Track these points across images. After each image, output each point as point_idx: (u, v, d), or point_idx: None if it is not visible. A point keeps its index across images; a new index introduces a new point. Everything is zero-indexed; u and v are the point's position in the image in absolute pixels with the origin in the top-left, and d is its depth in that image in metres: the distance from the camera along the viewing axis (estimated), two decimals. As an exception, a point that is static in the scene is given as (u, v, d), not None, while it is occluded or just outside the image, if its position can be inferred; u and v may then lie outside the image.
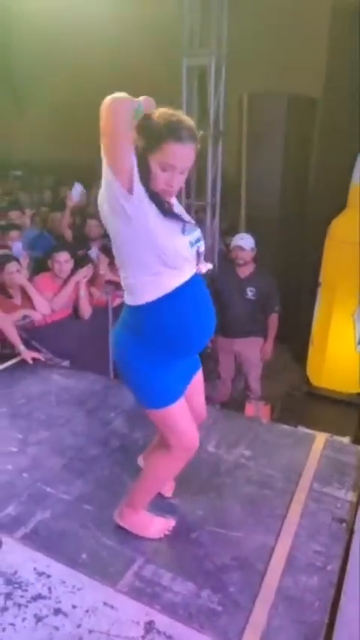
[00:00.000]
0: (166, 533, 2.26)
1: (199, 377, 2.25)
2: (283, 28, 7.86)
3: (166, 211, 1.81)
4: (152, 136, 1.71)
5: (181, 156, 1.75)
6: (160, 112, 1.75)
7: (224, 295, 4.55)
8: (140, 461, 2.57)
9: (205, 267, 1.97)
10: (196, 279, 1.95)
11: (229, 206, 7.05)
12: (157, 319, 1.90)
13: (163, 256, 1.81)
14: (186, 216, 1.95)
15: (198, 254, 1.92)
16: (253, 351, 4.67)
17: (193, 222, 1.97)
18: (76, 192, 5.89)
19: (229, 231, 7.07)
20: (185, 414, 2.07)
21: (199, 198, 6.04)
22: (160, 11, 7.65)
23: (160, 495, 2.41)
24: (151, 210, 1.77)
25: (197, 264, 1.94)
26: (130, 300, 1.94)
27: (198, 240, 1.92)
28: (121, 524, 2.27)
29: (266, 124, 6.85)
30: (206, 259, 2.03)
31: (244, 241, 4.51)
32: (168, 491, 2.50)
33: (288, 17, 7.72)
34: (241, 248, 4.47)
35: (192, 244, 1.88)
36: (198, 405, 2.26)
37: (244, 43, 6.95)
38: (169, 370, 1.99)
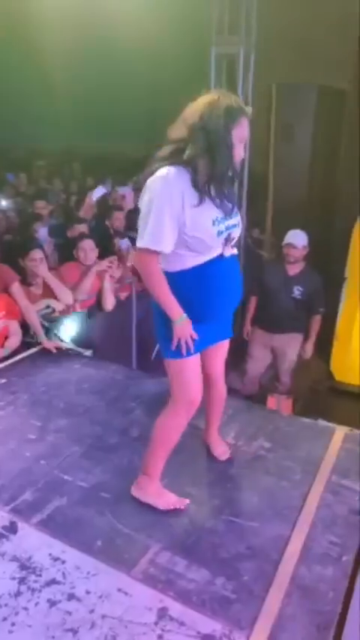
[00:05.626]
0: (176, 507, 2.32)
1: (224, 345, 2.43)
2: (313, 17, 7.74)
3: (213, 198, 1.98)
4: (232, 114, 1.92)
5: (247, 128, 1.99)
6: (218, 94, 1.95)
7: (270, 290, 4.52)
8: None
9: (229, 252, 2.12)
10: (222, 258, 2.10)
11: (256, 198, 6.98)
12: (175, 287, 2.05)
13: (187, 243, 2.00)
14: (230, 199, 2.08)
15: (227, 239, 2.08)
16: (291, 347, 4.65)
17: (234, 205, 2.11)
18: (98, 193, 5.97)
19: (255, 224, 7.00)
20: (195, 369, 2.22)
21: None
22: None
23: (177, 484, 2.43)
24: (188, 211, 1.95)
25: (224, 248, 2.09)
26: None
27: (231, 227, 2.08)
28: (135, 494, 2.37)
29: (295, 115, 6.77)
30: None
31: (297, 239, 4.41)
32: (221, 454, 2.66)
33: (318, 7, 7.59)
34: (293, 246, 4.39)
35: (220, 233, 2.03)
36: (215, 371, 2.45)
37: (274, 32, 6.86)
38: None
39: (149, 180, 1.98)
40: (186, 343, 2.10)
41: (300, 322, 4.61)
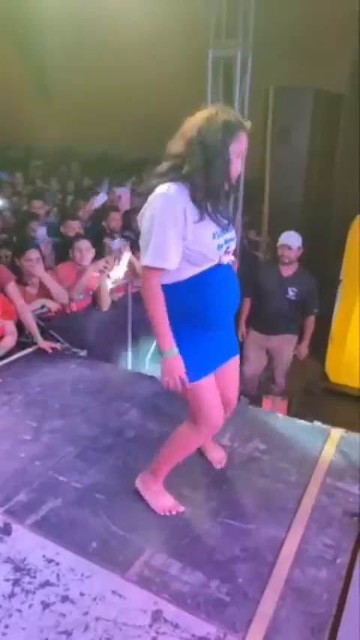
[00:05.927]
0: (171, 513, 2.31)
1: (234, 366, 2.35)
2: (310, 20, 7.77)
3: (210, 213, 1.97)
4: (230, 129, 1.91)
5: (245, 142, 1.98)
6: (216, 109, 1.95)
7: (264, 292, 4.52)
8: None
9: (227, 258, 2.10)
10: (219, 265, 2.07)
11: (253, 200, 6.99)
12: (174, 298, 2.02)
13: (188, 257, 1.98)
14: (225, 215, 2.07)
15: (226, 252, 2.06)
16: (286, 348, 4.67)
17: (230, 221, 2.10)
18: (100, 200, 5.99)
19: (251, 226, 7.02)
20: (212, 391, 2.16)
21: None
22: (188, 2, 7.59)
23: (173, 486, 2.41)
24: (190, 227, 1.93)
25: (221, 258, 2.07)
26: None
27: (228, 241, 2.08)
28: (138, 487, 2.39)
29: (292, 118, 6.79)
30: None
31: (292, 240, 4.42)
32: (217, 461, 2.64)
33: (316, 10, 7.62)
34: (288, 247, 4.40)
35: (220, 247, 2.03)
36: (229, 394, 2.35)
37: (271, 35, 6.88)
38: (197, 347, 2.08)
39: (150, 197, 1.96)
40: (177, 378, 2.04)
41: (295, 323, 4.64)
